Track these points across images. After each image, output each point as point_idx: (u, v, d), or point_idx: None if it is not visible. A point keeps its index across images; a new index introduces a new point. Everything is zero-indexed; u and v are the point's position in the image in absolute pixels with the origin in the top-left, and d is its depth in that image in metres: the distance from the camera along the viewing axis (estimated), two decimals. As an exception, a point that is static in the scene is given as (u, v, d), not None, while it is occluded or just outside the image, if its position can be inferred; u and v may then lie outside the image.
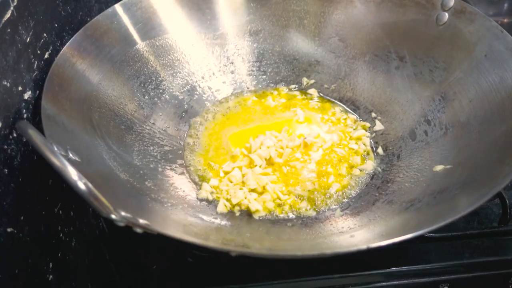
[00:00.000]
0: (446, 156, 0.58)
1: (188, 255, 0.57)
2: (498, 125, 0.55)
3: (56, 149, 0.47)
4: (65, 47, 0.60)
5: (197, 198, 0.60)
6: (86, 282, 0.62)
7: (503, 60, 0.58)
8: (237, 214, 0.58)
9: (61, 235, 0.58)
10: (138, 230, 0.42)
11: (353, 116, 0.73)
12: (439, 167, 0.57)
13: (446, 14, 0.66)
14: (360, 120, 0.72)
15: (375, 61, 0.73)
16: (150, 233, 0.42)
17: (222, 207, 0.58)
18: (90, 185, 0.39)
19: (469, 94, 0.61)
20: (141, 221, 0.42)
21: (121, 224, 0.41)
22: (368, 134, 0.70)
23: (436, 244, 0.58)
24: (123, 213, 0.40)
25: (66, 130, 0.53)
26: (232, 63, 0.79)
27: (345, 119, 0.73)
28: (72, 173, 0.39)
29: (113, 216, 0.40)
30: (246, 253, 0.39)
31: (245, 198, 0.60)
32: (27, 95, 0.53)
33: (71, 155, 0.48)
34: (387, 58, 0.72)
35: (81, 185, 0.38)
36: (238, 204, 0.59)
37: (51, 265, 0.54)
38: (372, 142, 0.69)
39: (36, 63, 0.56)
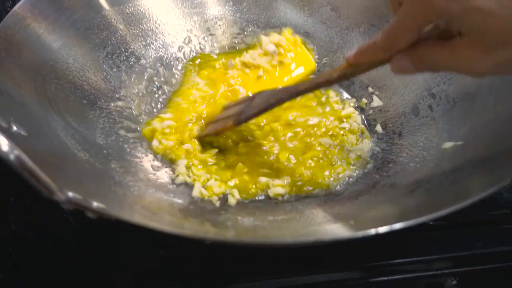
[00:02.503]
0: (456, 132, 0.51)
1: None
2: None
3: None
4: (16, 6, 0.52)
5: (174, 183, 0.52)
6: (44, 282, 0.53)
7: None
8: (216, 204, 0.50)
9: (12, 226, 0.51)
10: (91, 215, 0.34)
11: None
12: (448, 144, 0.50)
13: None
14: (346, 99, 0.66)
15: (371, 31, 0.67)
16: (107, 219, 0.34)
17: (197, 192, 0.51)
18: (25, 157, 0.31)
19: (480, 62, 0.54)
20: (95, 204, 0.34)
21: (68, 207, 0.33)
22: (357, 112, 0.63)
23: (441, 233, 0.52)
24: (70, 194, 0.33)
25: (12, 100, 0.45)
26: (213, 34, 0.71)
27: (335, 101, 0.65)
28: (2, 143, 0.30)
29: (57, 197, 0.32)
30: (222, 241, 0.32)
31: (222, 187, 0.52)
32: (-37, 59, 0.45)
33: (15, 128, 0.41)
34: (384, 28, 0.65)
35: (11, 156, 0.30)
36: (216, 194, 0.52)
37: (-3, 263, 0.47)
38: (369, 120, 0.62)
39: (-24, 22, 0.48)
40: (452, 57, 0.36)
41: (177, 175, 0.53)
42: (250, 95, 0.57)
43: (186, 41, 0.69)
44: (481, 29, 0.33)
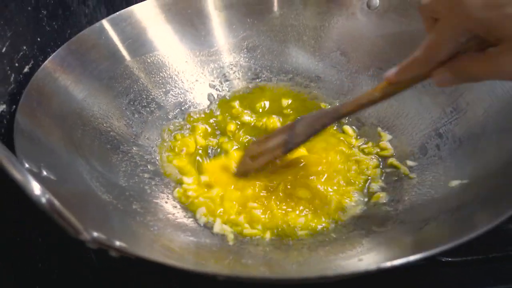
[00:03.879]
0: (462, 170, 0.53)
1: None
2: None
3: (27, 165, 0.42)
4: (47, 61, 0.57)
5: (193, 222, 0.55)
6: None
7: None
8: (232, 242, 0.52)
9: (39, 265, 0.53)
10: (113, 254, 0.37)
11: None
12: (455, 182, 0.52)
13: (454, 21, 0.61)
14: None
15: (379, 74, 0.69)
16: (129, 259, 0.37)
17: (218, 228, 0.53)
18: (54, 200, 0.34)
19: (484, 103, 0.56)
20: (118, 243, 0.36)
21: (93, 246, 0.36)
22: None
23: (455, 270, 0.53)
24: (95, 234, 0.35)
25: (42, 147, 0.49)
26: (229, 80, 0.74)
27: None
28: (35, 187, 0.34)
29: (83, 237, 0.35)
30: (234, 276, 0.34)
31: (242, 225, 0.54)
32: (0, 109, 0.49)
33: (45, 172, 0.44)
34: (392, 71, 0.68)
35: (43, 199, 0.33)
36: (237, 231, 0.54)
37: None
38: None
39: (13, 75, 0.53)
40: (493, 65, 0.37)
41: (198, 217, 0.55)
42: (288, 123, 0.59)
43: (204, 87, 0.73)
44: None
